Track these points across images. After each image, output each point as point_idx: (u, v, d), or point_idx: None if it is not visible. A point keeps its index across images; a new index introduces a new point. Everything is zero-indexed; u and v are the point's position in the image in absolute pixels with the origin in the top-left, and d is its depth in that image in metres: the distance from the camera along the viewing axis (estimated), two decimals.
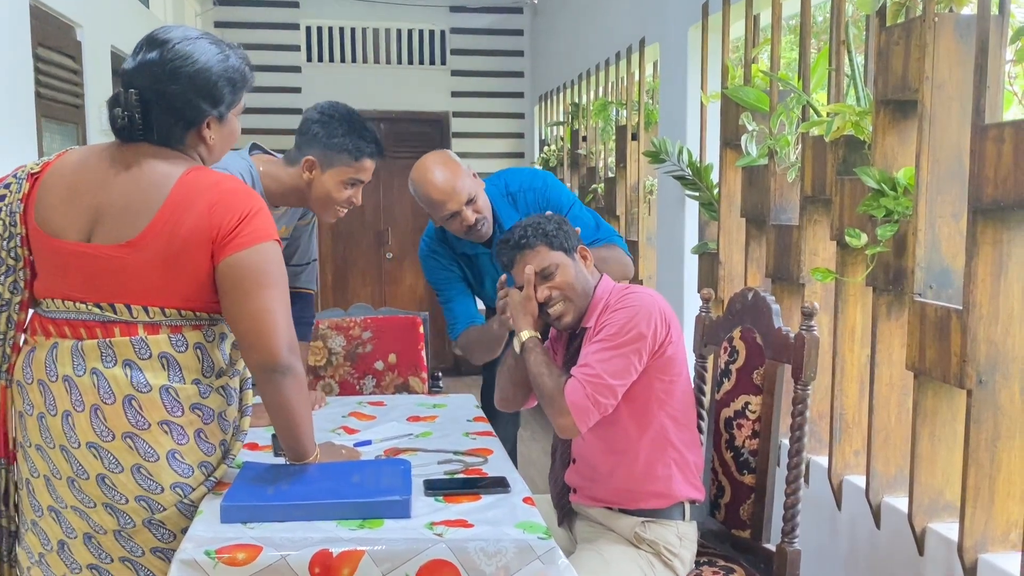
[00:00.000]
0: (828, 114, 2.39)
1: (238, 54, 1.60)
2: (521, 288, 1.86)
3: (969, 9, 1.98)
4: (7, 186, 1.57)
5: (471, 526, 1.43)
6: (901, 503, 2.25)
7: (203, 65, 1.51)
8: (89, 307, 1.51)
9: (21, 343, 1.60)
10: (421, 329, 3.10)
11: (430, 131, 6.88)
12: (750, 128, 2.83)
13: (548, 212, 1.99)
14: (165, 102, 1.51)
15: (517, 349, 1.87)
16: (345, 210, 2.13)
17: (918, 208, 2.04)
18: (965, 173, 2.00)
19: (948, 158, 2.03)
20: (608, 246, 2.42)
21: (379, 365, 3.04)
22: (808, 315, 1.81)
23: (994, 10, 1.82)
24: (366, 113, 7.06)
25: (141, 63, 1.51)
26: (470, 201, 2.27)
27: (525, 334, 1.85)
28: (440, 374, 3.21)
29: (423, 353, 3.07)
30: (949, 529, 2.06)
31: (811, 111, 2.59)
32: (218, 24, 6.32)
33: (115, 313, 1.51)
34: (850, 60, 2.40)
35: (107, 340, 1.50)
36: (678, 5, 3.67)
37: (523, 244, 1.83)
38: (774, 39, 2.81)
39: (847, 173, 2.35)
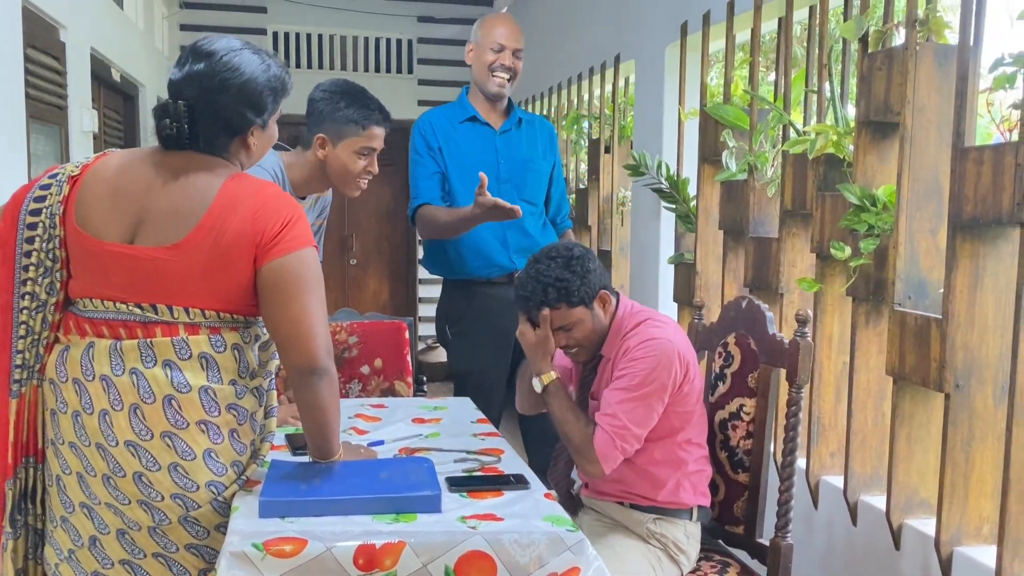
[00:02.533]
0: (809, 133, 2.52)
1: (277, 62, 1.64)
2: (536, 327, 1.90)
3: (946, 39, 2.14)
4: (46, 187, 1.58)
5: (501, 520, 1.50)
6: (877, 501, 2.39)
7: (250, 76, 1.56)
8: (130, 307, 1.54)
9: (53, 342, 1.62)
10: (407, 334, 3.15)
11: (396, 139, 6.84)
12: (731, 145, 2.96)
13: (575, 251, 1.91)
14: (214, 112, 1.55)
15: (538, 390, 1.93)
16: (366, 181, 2.21)
17: (899, 224, 2.17)
18: (941, 191, 2.15)
19: (926, 177, 2.17)
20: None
21: (365, 369, 3.08)
22: (802, 322, 1.93)
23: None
24: None
25: (189, 74, 1.55)
26: (518, 53, 2.73)
27: (546, 377, 1.91)
28: (424, 378, 3.26)
29: (408, 358, 3.13)
30: (924, 525, 2.20)
31: (791, 130, 2.73)
32: (184, 27, 6.27)
33: (156, 314, 1.54)
34: (831, 83, 2.54)
35: (148, 340, 1.53)
36: (656, 24, 3.80)
37: (543, 303, 1.85)
38: (754, 60, 2.95)
39: (827, 189, 2.49)
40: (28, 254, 1.57)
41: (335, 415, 1.62)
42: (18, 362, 1.58)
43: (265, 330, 1.64)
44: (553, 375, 1.91)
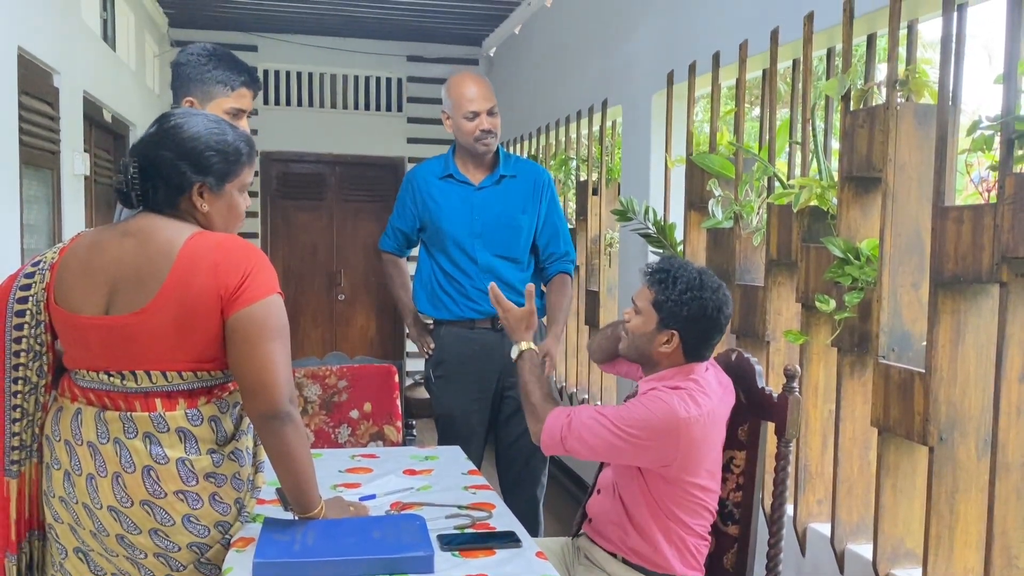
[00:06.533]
0: (795, 185, 2.57)
1: (238, 134, 1.67)
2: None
3: (926, 99, 2.20)
4: (30, 276, 1.65)
5: None
6: (863, 550, 2.41)
7: (193, 134, 1.60)
8: (111, 378, 1.58)
9: (47, 401, 1.67)
10: (396, 378, 3.16)
11: (385, 176, 6.97)
12: (717, 194, 3.02)
13: (711, 294, 1.89)
14: (155, 167, 1.60)
15: (514, 356, 2.05)
16: None
17: (882, 277, 2.22)
18: (923, 246, 2.20)
19: (908, 232, 2.22)
20: (564, 289, 2.96)
21: (354, 414, 3.09)
22: (790, 377, 1.96)
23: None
24: (323, 156, 7.15)
25: (143, 137, 1.63)
26: (492, 112, 2.77)
27: (524, 344, 2.05)
28: (413, 423, 3.28)
29: (398, 402, 3.14)
30: (910, 575, 2.23)
31: (776, 181, 2.78)
32: None
33: (135, 382, 1.57)
34: (814, 137, 2.60)
35: (128, 414, 1.58)
36: (642, 72, 3.87)
37: (650, 276, 1.92)
38: (739, 111, 3.01)
39: (812, 241, 2.54)
40: (18, 340, 1.63)
41: (307, 462, 1.64)
42: (15, 443, 1.64)
43: None
44: (530, 345, 2.05)
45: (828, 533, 2.51)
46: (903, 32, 2.26)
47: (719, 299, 1.89)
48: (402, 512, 1.89)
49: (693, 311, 1.87)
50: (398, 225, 2.99)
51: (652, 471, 1.89)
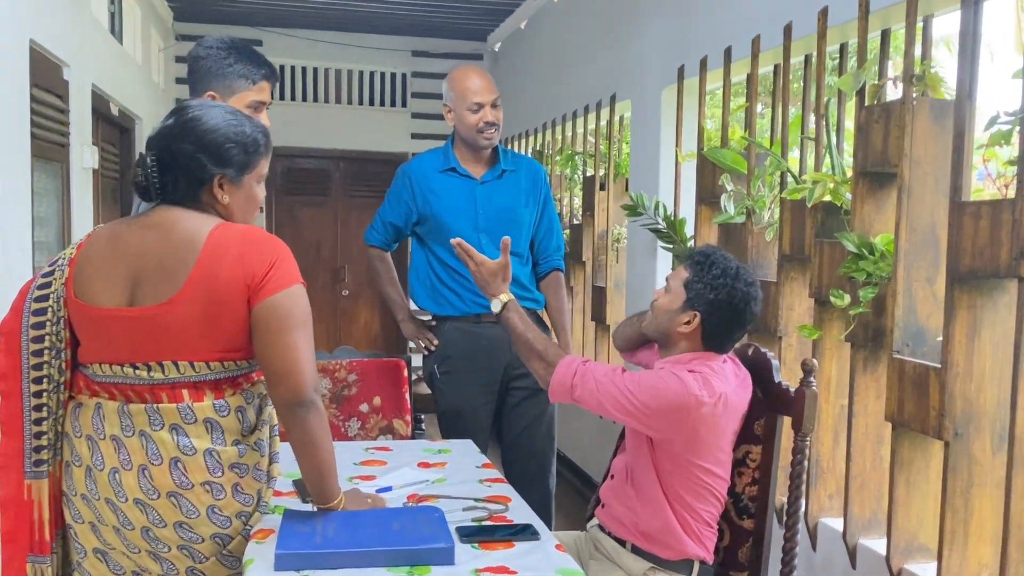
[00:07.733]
0: (809, 181, 2.57)
1: (254, 124, 1.68)
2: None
3: (943, 95, 2.20)
4: (48, 275, 1.65)
5: (514, 573, 1.52)
6: (876, 544, 2.41)
7: (212, 127, 1.60)
8: (136, 371, 1.58)
9: (67, 398, 1.67)
10: (405, 372, 3.16)
11: (389, 171, 6.90)
12: (729, 188, 3.02)
13: (742, 284, 1.90)
14: (174, 160, 1.60)
15: (496, 310, 2.03)
16: None
17: (897, 272, 2.22)
18: (938, 242, 2.20)
19: (923, 227, 2.22)
20: (560, 291, 2.96)
21: (364, 407, 3.09)
22: (808, 371, 1.96)
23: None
24: (327, 152, 7.14)
25: (160, 129, 1.62)
26: (495, 104, 2.76)
27: (504, 296, 2.02)
28: (423, 417, 3.27)
29: (407, 396, 3.14)
30: (923, 569, 2.23)
31: (789, 176, 2.78)
32: (180, 59, 6.31)
33: (162, 373, 1.57)
34: (827, 132, 2.60)
35: (155, 405, 1.57)
36: (652, 67, 3.87)
37: (690, 258, 1.95)
38: (751, 107, 3.01)
39: (825, 236, 2.54)
40: (39, 339, 1.63)
41: (329, 452, 1.64)
42: (44, 443, 1.63)
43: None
44: (511, 296, 2.03)
45: (840, 528, 2.52)
46: (917, 26, 2.26)
47: (749, 293, 1.90)
48: (420, 504, 1.89)
49: (721, 297, 1.88)
50: (389, 219, 2.94)
51: (660, 451, 1.89)
